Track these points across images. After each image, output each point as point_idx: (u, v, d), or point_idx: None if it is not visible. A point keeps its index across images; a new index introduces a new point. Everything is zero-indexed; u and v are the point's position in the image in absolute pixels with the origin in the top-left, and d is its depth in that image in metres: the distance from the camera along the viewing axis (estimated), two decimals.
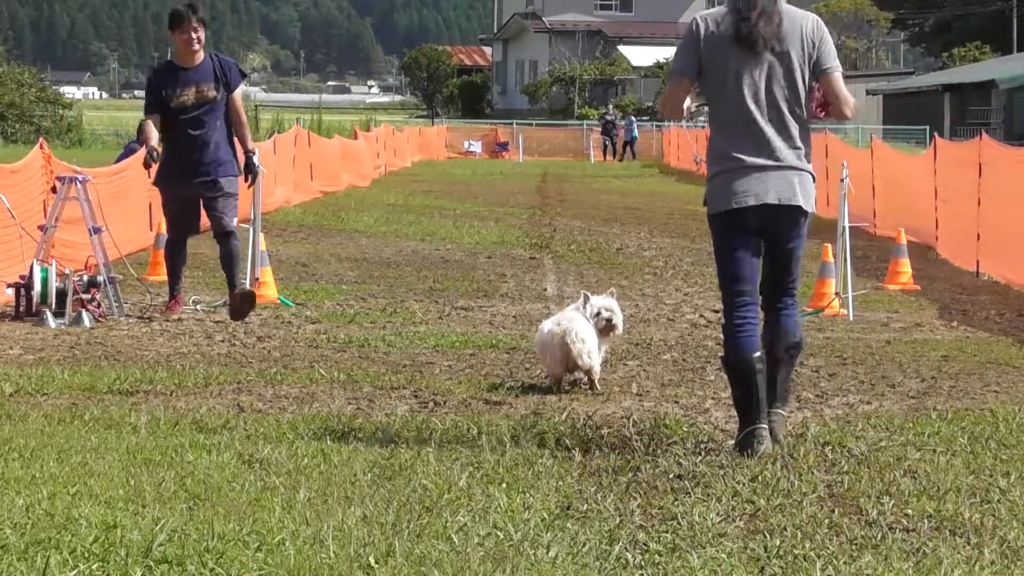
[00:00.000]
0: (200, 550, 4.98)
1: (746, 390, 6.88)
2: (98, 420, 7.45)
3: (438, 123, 73.46)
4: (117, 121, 66.40)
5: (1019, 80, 63.77)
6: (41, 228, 12.20)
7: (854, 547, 5.35)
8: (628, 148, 59.97)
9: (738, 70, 6.92)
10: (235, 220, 11.90)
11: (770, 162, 6.92)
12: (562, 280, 15.41)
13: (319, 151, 31.18)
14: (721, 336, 7.18)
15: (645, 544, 5.32)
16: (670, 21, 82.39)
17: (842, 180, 13.20)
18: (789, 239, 7.05)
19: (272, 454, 6.66)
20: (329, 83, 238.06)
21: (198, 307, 12.35)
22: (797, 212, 6.99)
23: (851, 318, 12.35)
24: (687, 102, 7.10)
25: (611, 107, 67.67)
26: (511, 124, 69.73)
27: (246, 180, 12.09)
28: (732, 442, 7.01)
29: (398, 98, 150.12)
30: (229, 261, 11.79)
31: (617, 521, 5.64)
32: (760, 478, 6.34)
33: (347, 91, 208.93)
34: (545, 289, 14.53)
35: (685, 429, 7.44)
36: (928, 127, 56.05)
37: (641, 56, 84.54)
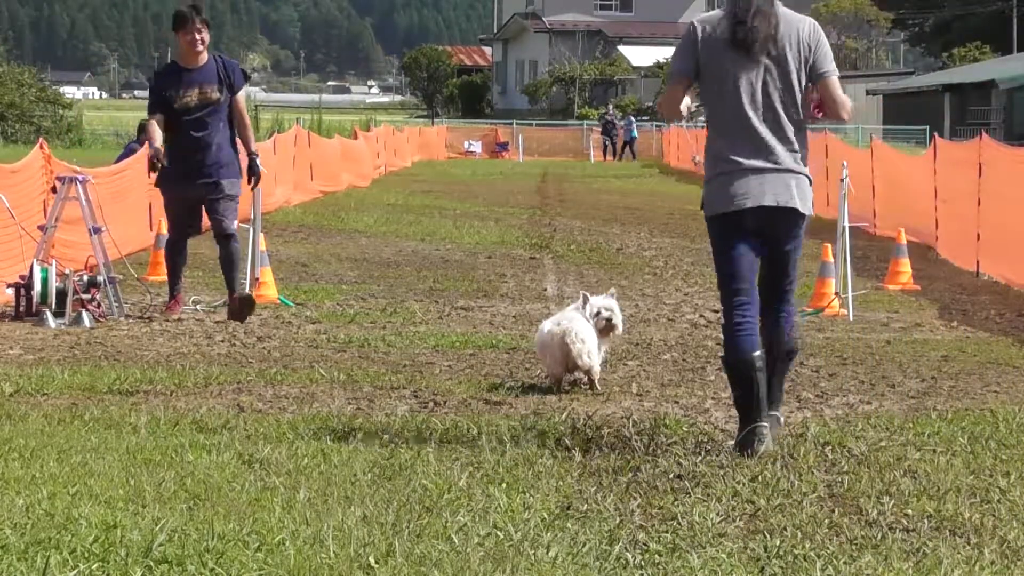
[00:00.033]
0: (200, 550, 4.98)
1: (746, 389, 6.89)
2: (98, 420, 7.45)
3: (438, 123, 73.46)
4: (117, 121, 66.42)
5: (1019, 80, 63.78)
6: (41, 228, 12.20)
7: (854, 547, 5.35)
8: (628, 148, 59.99)
9: (735, 73, 6.96)
10: (235, 222, 11.90)
11: (767, 165, 6.95)
12: (562, 280, 15.41)
13: (319, 151, 31.18)
14: (721, 336, 7.18)
15: (645, 544, 5.32)
16: (670, 21, 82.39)
17: (842, 180, 13.20)
18: (786, 241, 7.07)
19: (272, 454, 6.66)
20: (329, 83, 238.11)
21: (198, 307, 12.35)
22: (794, 215, 7.01)
23: (851, 318, 12.35)
24: (686, 102, 7.13)
25: (611, 107, 67.68)
26: (511, 124, 69.74)
27: (249, 182, 12.10)
28: (732, 442, 7.01)
29: (398, 98, 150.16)
30: (229, 264, 11.79)
31: (617, 521, 5.64)
32: (760, 478, 6.35)
33: (347, 91, 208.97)
34: (545, 289, 14.54)
35: (685, 429, 7.44)
36: (928, 127, 56.07)
37: (641, 56, 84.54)
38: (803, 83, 7.01)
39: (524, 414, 7.85)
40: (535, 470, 6.46)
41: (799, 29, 6.99)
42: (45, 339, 10.63)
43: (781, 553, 5.23)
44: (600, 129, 62.95)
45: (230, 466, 6.41)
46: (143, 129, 20.79)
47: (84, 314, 11.34)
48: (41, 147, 14.34)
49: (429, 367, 9.59)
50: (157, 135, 11.62)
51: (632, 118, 63.22)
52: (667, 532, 5.50)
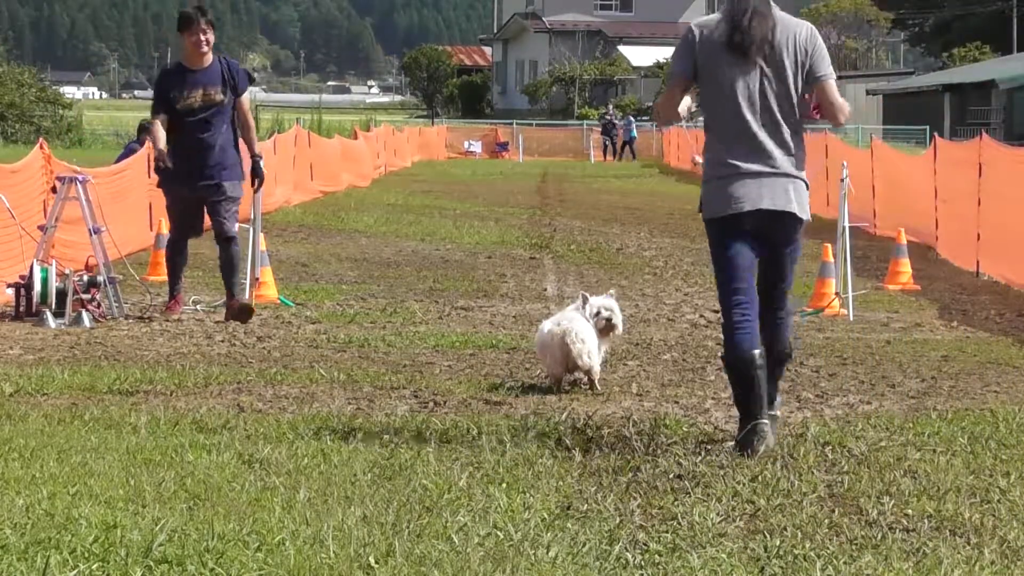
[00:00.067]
0: (200, 550, 4.98)
1: (747, 387, 6.89)
2: (98, 420, 7.45)
3: (438, 123, 73.47)
4: (117, 121, 66.42)
5: (1019, 80, 63.79)
6: (41, 228, 12.20)
7: (854, 547, 5.35)
8: (627, 148, 60.00)
9: (732, 77, 6.99)
10: (236, 225, 11.89)
11: (765, 169, 7.00)
12: (562, 280, 15.41)
13: (319, 151, 31.19)
14: (721, 336, 7.19)
15: (645, 544, 5.32)
16: (670, 21, 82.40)
17: (842, 180, 13.20)
18: (784, 245, 7.11)
19: (272, 454, 6.66)
20: (329, 83, 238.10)
21: (198, 307, 12.35)
22: (792, 219, 7.05)
23: (851, 318, 12.35)
24: (687, 102, 7.17)
25: (611, 107, 67.68)
26: (511, 124, 69.74)
27: (252, 185, 12.10)
28: (733, 441, 7.02)
29: (398, 98, 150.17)
30: (229, 267, 11.78)
31: (617, 521, 5.64)
32: (760, 478, 6.35)
33: (347, 91, 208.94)
34: (545, 289, 14.54)
35: (685, 429, 7.45)
36: (928, 127, 56.08)
37: (641, 56, 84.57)
38: (800, 87, 7.04)
39: (524, 414, 7.85)
40: (535, 470, 6.46)
41: (796, 33, 7.03)
42: (45, 339, 10.63)
43: (781, 553, 5.23)
44: (600, 129, 62.96)
45: (230, 466, 6.41)
46: (143, 129, 20.86)
47: (84, 314, 11.34)
48: (41, 147, 14.34)
49: (429, 367, 9.59)
50: (161, 136, 11.61)
51: (632, 118, 63.23)
52: (667, 532, 5.50)
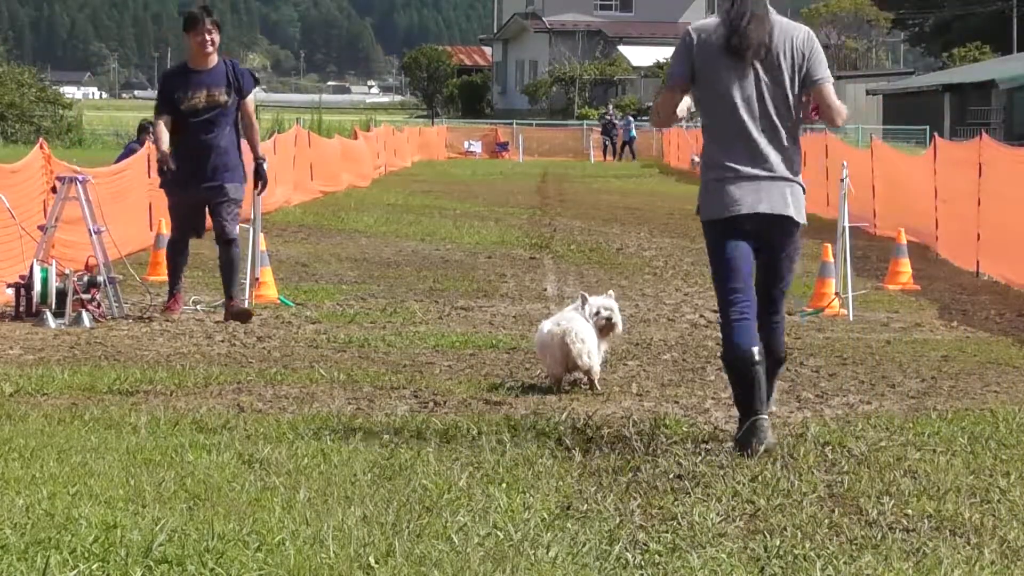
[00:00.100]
0: (200, 550, 4.98)
1: (746, 384, 6.91)
2: (98, 420, 7.45)
3: (438, 123, 73.48)
4: (117, 121, 66.42)
5: (1019, 80, 63.79)
6: (41, 228, 12.20)
7: (854, 547, 5.35)
8: (627, 148, 60.01)
9: (730, 80, 7.04)
10: (237, 227, 11.88)
11: (762, 172, 7.06)
12: (562, 280, 15.41)
13: (319, 151, 31.19)
14: (721, 336, 7.20)
15: (645, 544, 5.32)
16: (670, 21, 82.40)
17: (842, 180, 13.20)
18: (781, 249, 7.15)
19: (272, 454, 6.66)
20: (329, 83, 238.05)
21: (198, 307, 12.35)
22: (789, 223, 7.11)
23: (851, 318, 12.35)
24: (686, 102, 7.22)
25: (611, 107, 67.68)
26: (511, 124, 69.75)
27: (255, 187, 12.09)
28: (733, 438, 7.03)
29: (398, 98, 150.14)
30: (229, 269, 11.77)
31: (617, 521, 5.64)
32: (760, 478, 6.35)
33: (347, 91, 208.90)
34: (545, 289, 14.54)
35: (685, 429, 7.45)
36: (928, 127, 56.09)
37: (641, 56, 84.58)
38: (797, 90, 7.09)
39: (524, 414, 7.85)
40: (535, 470, 6.47)
41: (793, 37, 7.08)
42: (45, 339, 10.63)
43: (781, 553, 5.23)
44: (600, 129, 62.96)
45: (230, 466, 6.41)
46: (143, 129, 20.87)
47: (84, 314, 11.34)
48: (41, 147, 14.33)
49: (429, 367, 9.59)
50: (164, 138, 11.60)
51: (631, 118, 63.22)
52: (667, 532, 5.50)
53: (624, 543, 5.31)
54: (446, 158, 58.16)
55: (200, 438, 7.02)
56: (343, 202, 27.67)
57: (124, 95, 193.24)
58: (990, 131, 26.83)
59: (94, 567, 4.80)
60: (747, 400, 6.91)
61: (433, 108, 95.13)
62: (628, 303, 12.97)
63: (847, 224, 12.96)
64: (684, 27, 7.60)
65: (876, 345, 10.86)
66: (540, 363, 9.16)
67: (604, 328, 8.73)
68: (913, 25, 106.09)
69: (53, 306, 11.39)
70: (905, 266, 14.93)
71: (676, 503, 5.93)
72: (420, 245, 19.23)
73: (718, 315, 7.27)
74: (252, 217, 12.97)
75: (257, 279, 12.76)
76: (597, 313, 8.73)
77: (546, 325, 8.79)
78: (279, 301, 12.79)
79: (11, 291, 11.74)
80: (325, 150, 32.42)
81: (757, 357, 6.92)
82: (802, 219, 7.15)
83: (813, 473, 6.47)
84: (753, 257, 7.10)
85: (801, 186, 7.18)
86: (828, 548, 5.31)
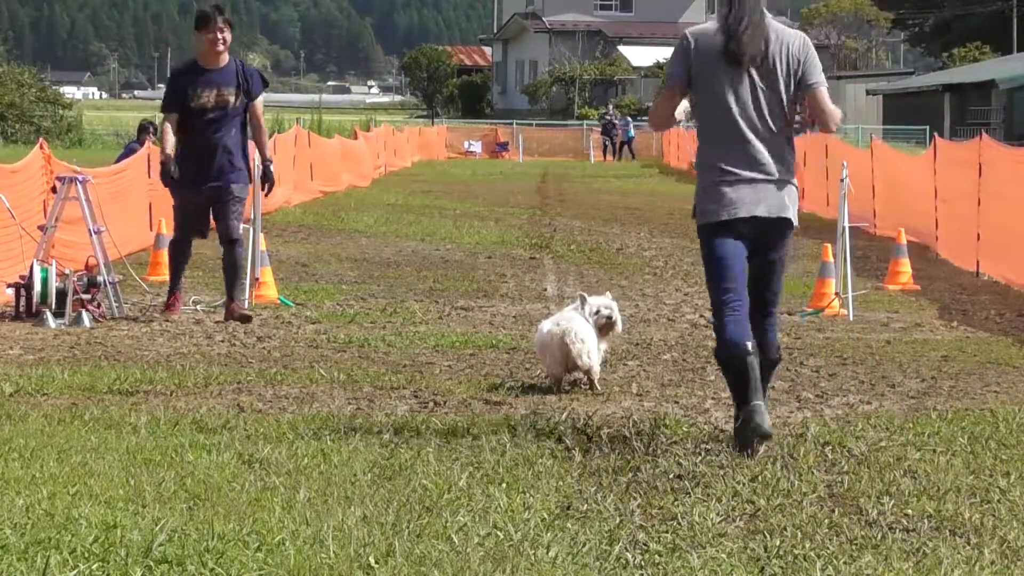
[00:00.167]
0: (200, 550, 4.99)
1: (741, 377, 6.96)
2: (98, 420, 7.45)
3: (438, 123, 73.48)
4: (117, 121, 66.43)
5: (1019, 80, 63.79)
6: (41, 228, 12.20)
7: (854, 547, 5.35)
8: (626, 148, 60.01)
9: (726, 84, 7.14)
10: (241, 227, 11.87)
11: (758, 175, 7.16)
12: (562, 280, 15.41)
13: (319, 151, 31.18)
14: (715, 335, 7.24)
15: (645, 544, 5.32)
16: (670, 21, 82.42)
17: (842, 180, 13.20)
18: (775, 250, 7.25)
19: (272, 454, 6.66)
20: (329, 83, 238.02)
21: (198, 307, 12.35)
22: (785, 224, 7.21)
23: (851, 318, 12.35)
24: (684, 105, 7.31)
25: (611, 107, 67.68)
26: (511, 124, 69.75)
27: (262, 188, 12.08)
28: (732, 427, 7.06)
29: (398, 98, 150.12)
30: (232, 270, 11.74)
31: (617, 521, 5.64)
32: (760, 478, 6.35)
33: (347, 91, 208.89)
34: (545, 289, 14.54)
35: (685, 429, 7.45)
36: (928, 127, 56.10)
37: (641, 56, 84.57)
38: (792, 95, 7.19)
39: (524, 414, 7.85)
40: (535, 470, 6.47)
41: (789, 43, 7.18)
42: (45, 339, 10.63)
43: (781, 553, 5.23)
44: (600, 129, 62.96)
45: (230, 466, 6.41)
46: (143, 129, 20.88)
47: (84, 314, 11.34)
48: (41, 147, 14.33)
49: (429, 367, 9.59)
50: (169, 139, 11.58)
51: (629, 119, 63.20)
52: (667, 532, 5.50)
53: (624, 543, 5.31)
54: (446, 158, 58.16)
55: (200, 438, 7.02)
56: (343, 202, 27.66)
57: (124, 95, 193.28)
58: (990, 131, 26.83)
59: (94, 567, 4.80)
60: (743, 392, 6.95)
61: (433, 108, 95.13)
62: (628, 303, 12.97)
63: (847, 224, 12.96)
64: (684, 27, 7.65)
65: (876, 345, 10.86)
66: (540, 363, 9.16)
67: (604, 327, 8.74)
68: (913, 25, 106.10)
69: (53, 306, 11.39)
70: (905, 266, 14.93)
71: (676, 503, 5.93)
72: (420, 245, 19.23)
73: (711, 315, 7.31)
74: (252, 217, 12.97)
75: (257, 279, 12.76)
76: (597, 312, 8.74)
77: (546, 325, 8.79)
78: (279, 301, 12.79)
79: (11, 291, 11.74)
80: (325, 150, 32.42)
81: (751, 349, 6.99)
82: (796, 220, 7.26)
83: (813, 473, 6.47)
84: (746, 259, 7.16)
85: (795, 186, 7.28)
86: (828, 548, 5.32)
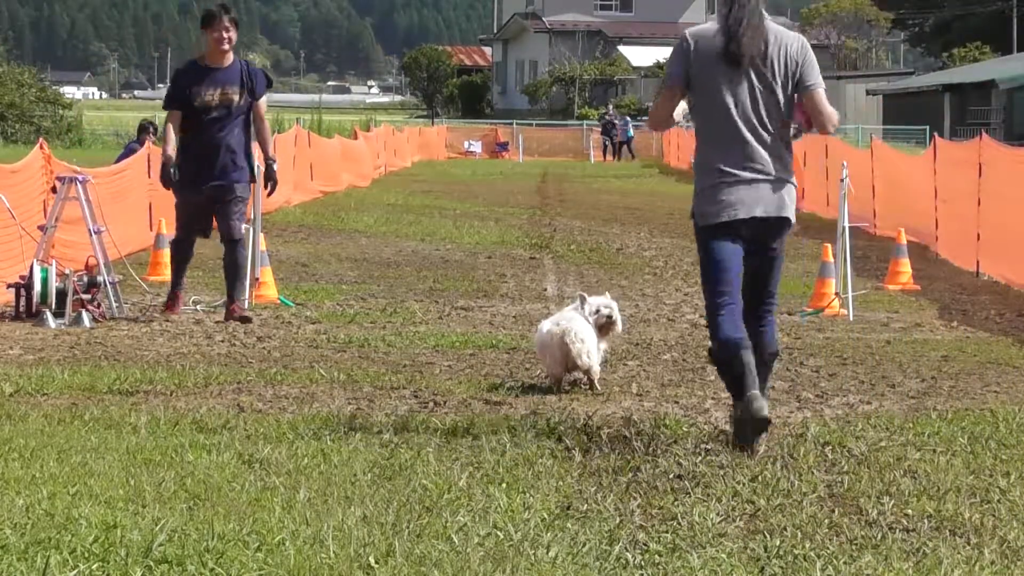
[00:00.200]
0: (200, 550, 4.99)
1: (737, 372, 6.98)
2: (98, 420, 7.45)
3: (438, 123, 73.47)
4: (117, 121, 66.43)
5: (1019, 80, 63.79)
6: (41, 228, 12.20)
7: (854, 547, 5.35)
8: (625, 148, 60.00)
9: (725, 85, 7.19)
10: (243, 227, 11.86)
11: (756, 175, 7.21)
12: (562, 280, 15.41)
13: (319, 151, 31.18)
14: (709, 334, 7.26)
15: (645, 544, 5.32)
16: (670, 21, 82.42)
17: (842, 180, 13.20)
18: (772, 248, 7.30)
19: (272, 454, 6.66)
20: (329, 83, 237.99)
21: (198, 307, 12.34)
22: (783, 223, 7.26)
23: (851, 318, 12.35)
24: (682, 107, 7.35)
25: (611, 107, 67.68)
26: (511, 124, 69.75)
27: (265, 187, 12.07)
28: (731, 416, 7.09)
29: (398, 98, 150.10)
30: (233, 270, 11.73)
31: (617, 521, 5.64)
32: (760, 478, 6.35)
33: (347, 91, 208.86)
34: (545, 289, 14.54)
35: (685, 429, 7.45)
36: (928, 127, 56.09)
37: (641, 56, 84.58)
38: (790, 96, 7.24)
39: (524, 414, 7.85)
40: (535, 470, 6.47)
41: (788, 44, 7.24)
42: (45, 339, 10.63)
43: (781, 553, 5.23)
44: (600, 129, 62.96)
45: (230, 466, 6.41)
46: (143, 129, 20.88)
47: (84, 314, 11.34)
48: (41, 147, 14.33)
49: (429, 367, 9.59)
50: (171, 139, 11.57)
51: (628, 119, 63.20)
52: (667, 532, 5.50)
53: (624, 543, 5.31)
54: (446, 158, 58.16)
55: (200, 438, 7.02)
56: (343, 202, 27.66)
57: (124, 95, 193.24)
58: (990, 131, 26.83)
59: (94, 567, 4.80)
60: (740, 385, 6.97)
61: (433, 108, 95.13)
62: (628, 303, 12.97)
63: (847, 224, 12.96)
64: (684, 27, 7.69)
65: (876, 345, 10.86)
66: (540, 363, 9.16)
67: (604, 327, 8.74)
68: (913, 25, 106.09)
69: (53, 306, 11.39)
70: (905, 266, 14.93)
71: (676, 503, 5.93)
72: (420, 245, 19.23)
73: (705, 315, 7.35)
74: (252, 217, 12.97)
75: (257, 279, 12.76)
76: (597, 312, 8.74)
77: (546, 325, 8.79)
78: (279, 301, 12.79)
79: (11, 291, 11.74)
80: (325, 150, 32.42)
81: (744, 343, 7.03)
82: (794, 217, 7.31)
83: (813, 473, 6.47)
84: (744, 263, 7.19)
85: (794, 185, 7.33)
86: (828, 548, 5.32)
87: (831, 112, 7.27)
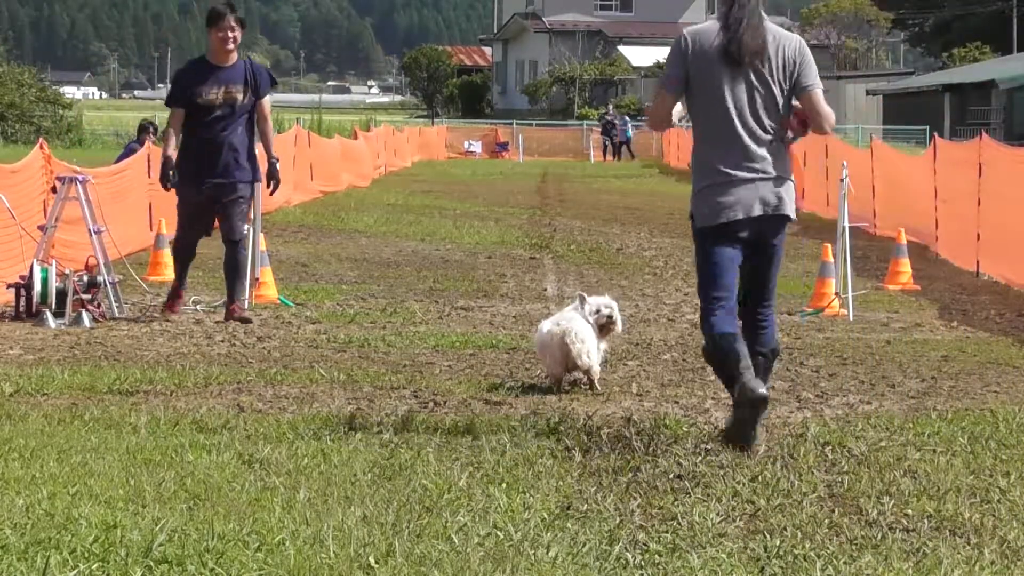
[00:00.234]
0: (200, 550, 4.99)
1: (731, 363, 6.99)
2: (98, 420, 7.45)
3: (438, 123, 73.48)
4: (117, 121, 66.43)
5: (1019, 80, 63.79)
6: (41, 228, 12.20)
7: (854, 547, 5.35)
8: (624, 148, 59.99)
9: (724, 86, 7.20)
10: (244, 227, 11.85)
11: (754, 175, 7.23)
12: (562, 280, 15.41)
13: (319, 151, 31.18)
14: (702, 333, 7.28)
15: (645, 544, 5.32)
16: (670, 21, 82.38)
17: (842, 180, 13.20)
18: (771, 245, 7.31)
19: (272, 454, 6.66)
20: (329, 83, 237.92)
21: (198, 307, 12.34)
22: (782, 219, 7.28)
23: (851, 318, 12.35)
24: (678, 109, 7.36)
25: (611, 107, 67.68)
26: (511, 124, 69.75)
27: (267, 186, 12.07)
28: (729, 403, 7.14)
29: (398, 98, 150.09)
30: (233, 270, 11.71)
31: (617, 521, 5.64)
32: (760, 478, 6.35)
33: (347, 91, 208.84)
34: (545, 289, 14.54)
35: (685, 429, 7.45)
36: (928, 127, 56.09)
37: (641, 56, 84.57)
38: (788, 97, 7.26)
39: (524, 414, 7.85)
40: (535, 470, 6.47)
41: (786, 45, 7.25)
42: (45, 339, 10.63)
43: (781, 553, 5.23)
44: (600, 129, 62.96)
45: (230, 466, 6.41)
46: (143, 129, 20.88)
47: (84, 314, 11.34)
48: (41, 147, 14.33)
49: (429, 367, 9.59)
50: (172, 139, 11.55)
51: (627, 118, 63.19)
52: (667, 532, 5.50)
53: (624, 543, 5.31)
54: (446, 158, 58.16)
55: (200, 438, 7.02)
56: (343, 202, 27.66)
57: (124, 95, 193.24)
58: (990, 131, 26.83)
59: (94, 567, 4.80)
60: (734, 370, 6.97)
61: (433, 108, 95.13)
62: (628, 303, 12.97)
63: (847, 224, 12.96)
64: (684, 27, 7.69)
65: (876, 345, 10.86)
66: (540, 363, 9.16)
67: (604, 327, 8.74)
68: (913, 25, 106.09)
69: (53, 306, 11.39)
70: (905, 266, 14.93)
71: (676, 503, 5.93)
72: (420, 245, 19.23)
73: (698, 316, 7.37)
74: (252, 217, 12.96)
75: (257, 279, 12.76)
76: (597, 312, 8.74)
77: (546, 325, 8.79)
78: (279, 301, 12.79)
79: (11, 291, 11.74)
80: (325, 150, 32.42)
81: (736, 335, 7.06)
82: (794, 214, 7.33)
83: (813, 473, 6.47)
84: (740, 261, 7.20)
85: (792, 182, 7.35)
86: (828, 548, 5.32)
87: (828, 112, 7.29)
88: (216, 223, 11.87)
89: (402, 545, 5.14)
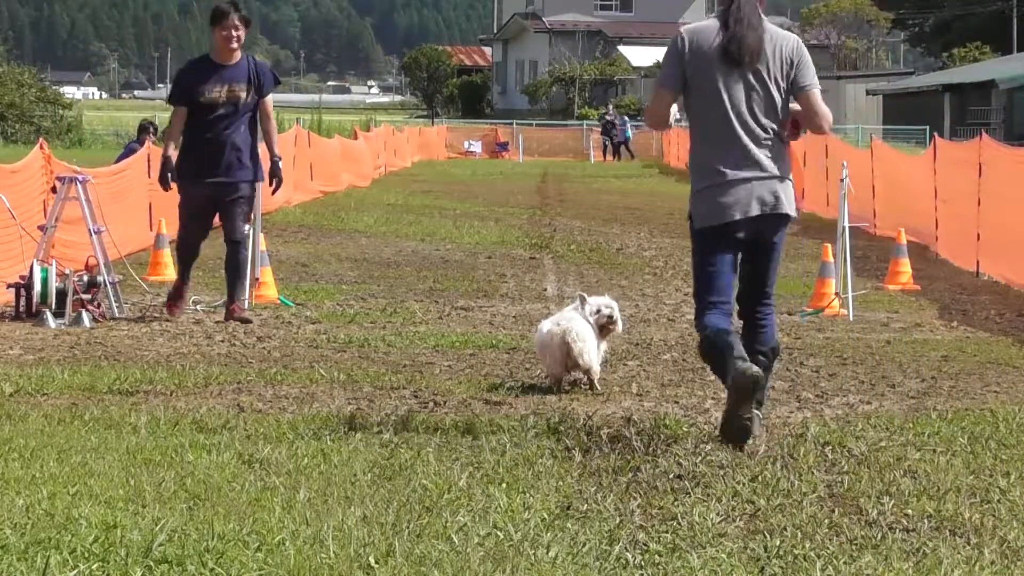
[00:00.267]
0: (200, 550, 4.99)
1: (724, 355, 6.99)
2: (98, 420, 7.45)
3: (438, 123, 73.48)
4: (117, 121, 66.43)
5: (1019, 80, 63.80)
6: (41, 228, 12.20)
7: (854, 547, 5.35)
8: (623, 148, 59.99)
9: (721, 85, 7.20)
10: (246, 227, 11.83)
11: (752, 174, 7.21)
12: (562, 280, 15.41)
13: (319, 151, 31.18)
14: (696, 332, 7.31)
15: (645, 544, 5.32)
16: (670, 21, 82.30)
17: (842, 180, 13.20)
18: (771, 244, 7.31)
19: (272, 454, 6.66)
20: (329, 83, 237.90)
21: (198, 307, 12.34)
22: (780, 218, 7.27)
23: (851, 318, 12.35)
24: (673, 111, 7.36)
25: (611, 107, 67.67)
26: (511, 124, 69.75)
27: (270, 185, 12.06)
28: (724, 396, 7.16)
29: (398, 98, 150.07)
30: (234, 270, 11.70)
31: (617, 521, 5.64)
32: (760, 478, 6.35)
33: (347, 91, 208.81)
34: (545, 289, 14.54)
35: (685, 429, 7.45)
36: (928, 127, 56.09)
37: (641, 56, 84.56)
38: (785, 97, 7.26)
39: (524, 414, 7.85)
40: (535, 470, 6.47)
41: (784, 46, 7.25)
42: (45, 339, 10.63)
43: (781, 553, 5.23)
44: (600, 129, 62.96)
45: (230, 466, 6.41)
46: (143, 129, 20.88)
47: (84, 314, 11.34)
48: (41, 147, 14.33)
49: (429, 367, 9.59)
50: (173, 138, 11.54)
51: (626, 119, 63.18)
52: (667, 532, 5.50)
53: (624, 543, 5.31)
54: (446, 158, 58.16)
55: (200, 438, 7.02)
56: (343, 202, 27.66)
57: (124, 95, 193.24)
58: (990, 131, 26.83)
59: (94, 567, 4.80)
60: (728, 361, 6.96)
61: (433, 108, 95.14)
62: (628, 303, 12.97)
63: (847, 224, 12.96)
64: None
65: (876, 345, 10.86)
66: (540, 363, 9.16)
67: (604, 327, 8.74)
68: (913, 25, 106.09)
69: (53, 306, 11.39)
70: (905, 266, 14.93)
71: (676, 503, 5.93)
72: (420, 245, 19.23)
73: (693, 317, 7.38)
74: (252, 217, 12.96)
75: (257, 279, 12.75)
76: (598, 311, 8.74)
77: (546, 325, 8.79)
78: (279, 301, 12.79)
79: (11, 291, 11.74)
80: (325, 150, 32.42)
81: (730, 331, 7.09)
82: (794, 212, 7.31)
83: (813, 473, 6.47)
84: (739, 263, 7.22)
85: (791, 182, 7.34)
86: (828, 548, 5.32)
87: (826, 112, 7.29)
88: (216, 222, 11.87)
89: (402, 545, 5.14)
